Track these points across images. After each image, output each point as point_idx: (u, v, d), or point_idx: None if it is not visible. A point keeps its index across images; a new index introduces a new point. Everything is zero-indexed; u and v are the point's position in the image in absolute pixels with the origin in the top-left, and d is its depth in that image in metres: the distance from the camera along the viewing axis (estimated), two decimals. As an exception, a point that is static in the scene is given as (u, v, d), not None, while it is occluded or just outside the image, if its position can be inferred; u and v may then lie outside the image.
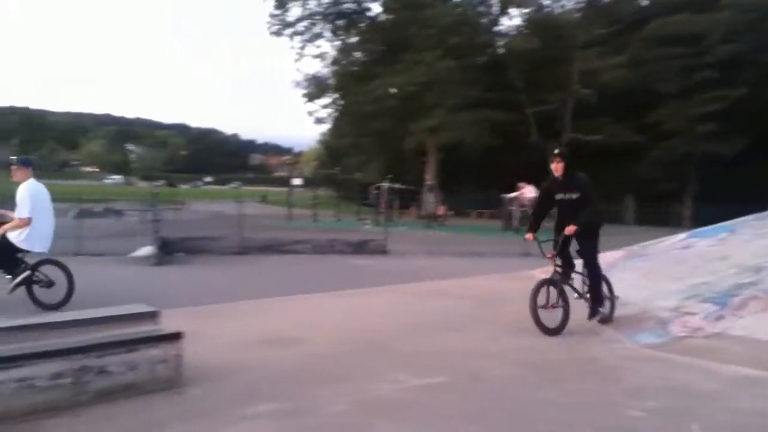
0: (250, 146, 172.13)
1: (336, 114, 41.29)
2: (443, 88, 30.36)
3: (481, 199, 33.54)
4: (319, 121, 41.49)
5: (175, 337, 4.27)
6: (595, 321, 6.42)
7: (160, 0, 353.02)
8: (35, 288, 7.32)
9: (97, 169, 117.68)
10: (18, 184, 7.31)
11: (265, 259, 12.93)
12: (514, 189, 24.04)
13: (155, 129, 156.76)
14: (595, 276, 6.38)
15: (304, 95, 37.91)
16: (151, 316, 4.48)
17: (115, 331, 4.20)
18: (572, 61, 31.12)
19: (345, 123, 40.91)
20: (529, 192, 23.07)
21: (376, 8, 36.59)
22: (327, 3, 35.45)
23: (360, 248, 14.66)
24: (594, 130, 29.77)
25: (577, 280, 6.60)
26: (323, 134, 54.86)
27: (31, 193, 7.18)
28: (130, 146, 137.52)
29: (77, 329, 4.15)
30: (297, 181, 39.16)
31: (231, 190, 78.82)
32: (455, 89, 30.37)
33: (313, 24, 36.08)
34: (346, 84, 36.93)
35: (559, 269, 6.28)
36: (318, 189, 35.99)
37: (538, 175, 27.29)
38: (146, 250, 12.20)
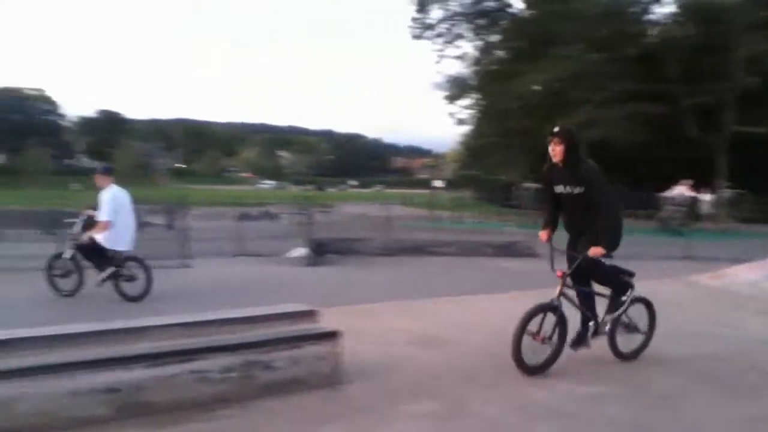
0: (392, 149, 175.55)
1: (477, 114, 40.99)
2: (590, 83, 29.14)
3: (633, 198, 31.75)
4: (460, 122, 41.48)
5: (334, 335, 4.39)
6: (613, 316, 4.99)
7: (306, 15, 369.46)
8: (120, 282, 8.22)
9: (253, 175, 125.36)
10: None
11: (411, 261, 13.05)
12: (671, 187, 22.55)
13: (304, 135, 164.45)
14: (616, 284, 5.03)
15: (445, 97, 38.08)
16: (311, 314, 4.64)
17: (279, 328, 4.40)
18: (735, 48, 28.59)
19: (486, 123, 40.48)
20: (683, 190, 21.67)
21: (518, 4, 35.95)
22: (468, 3, 35.32)
23: (506, 250, 14.37)
24: (761, 121, 27.15)
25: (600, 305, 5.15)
26: (464, 135, 54.80)
27: (111, 198, 8.08)
28: (281, 153, 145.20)
29: (245, 326, 4.38)
30: (438, 183, 39.40)
31: (374, 193, 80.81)
32: (603, 83, 29.01)
33: (454, 25, 36.12)
34: (487, 83, 36.58)
35: (566, 292, 4.79)
36: (459, 190, 35.86)
37: (695, 171, 25.41)
38: (300, 251, 12.78)
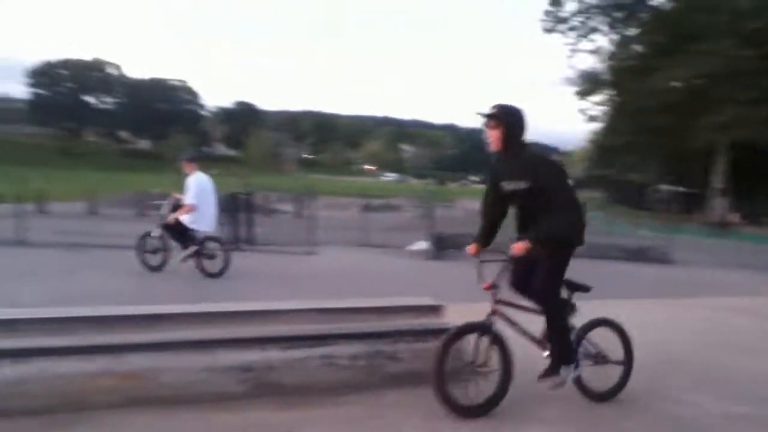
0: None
1: (610, 111, 39.28)
2: (737, 80, 26.99)
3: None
4: (591, 118, 39.90)
5: (460, 331, 4.35)
6: (549, 383, 3.95)
7: (427, 8, 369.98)
8: (201, 259, 8.85)
9: (375, 167, 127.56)
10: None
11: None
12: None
13: (427, 129, 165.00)
14: (552, 318, 3.93)
15: (577, 92, 36.84)
16: (437, 309, 4.63)
17: (406, 320, 4.42)
18: None
19: (620, 120, 38.67)
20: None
21: (659, -4, 34.08)
22: (605, -5, 33.98)
23: (638, 255, 13.66)
24: None
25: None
26: (595, 133, 52.69)
27: (196, 183, 8.73)
28: (404, 146, 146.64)
29: (372, 315, 4.44)
30: (565, 182, 38.13)
31: (497, 189, 79.35)
32: (752, 81, 26.78)
33: (589, 18, 34.85)
34: (622, 79, 35.01)
35: (500, 309, 3.89)
36: (587, 190, 34.57)
37: None
38: (421, 245, 12.82)
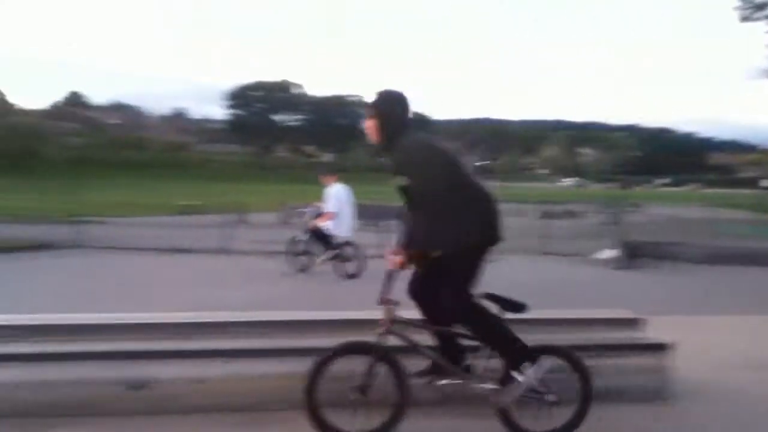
0: (707, 145, 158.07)
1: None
2: None
3: None
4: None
5: (664, 347, 4.10)
6: (507, 400, 3.32)
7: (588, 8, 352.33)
8: (339, 262, 9.80)
9: (551, 172, 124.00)
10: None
11: (741, 271, 11.57)
12: None
13: (606, 132, 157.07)
14: (476, 325, 3.35)
15: (782, 85, 33.08)
16: (636, 322, 4.38)
17: (601, 333, 4.23)
18: None
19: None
20: None
21: None
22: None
23: None
24: None
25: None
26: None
27: (335, 194, 9.71)
28: (581, 149, 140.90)
29: (565, 327, 4.30)
30: (768, 183, 34.32)
31: (689, 192, 73.92)
32: None
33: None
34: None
35: (399, 326, 3.37)
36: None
37: None
38: (609, 253, 12.21)
